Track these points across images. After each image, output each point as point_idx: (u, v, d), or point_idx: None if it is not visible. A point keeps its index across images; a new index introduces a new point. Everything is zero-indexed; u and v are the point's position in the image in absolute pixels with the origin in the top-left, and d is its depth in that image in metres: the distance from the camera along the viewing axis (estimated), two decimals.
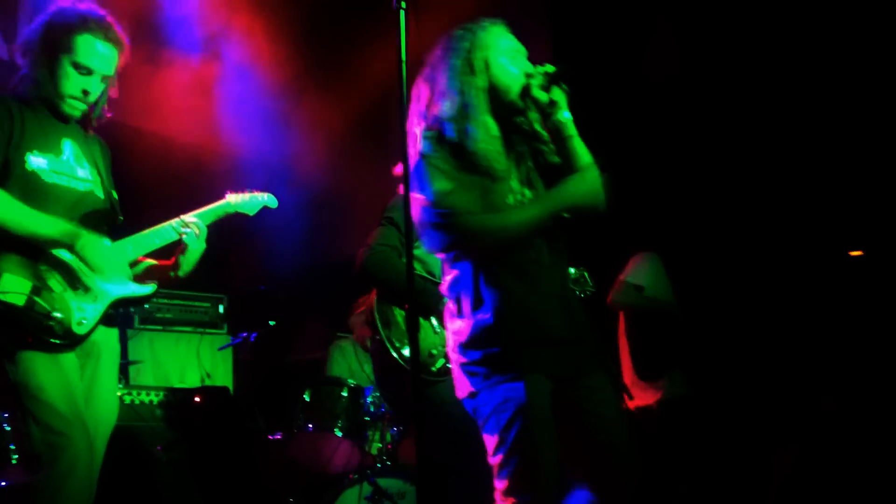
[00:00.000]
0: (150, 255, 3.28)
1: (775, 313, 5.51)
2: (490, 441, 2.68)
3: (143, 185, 5.21)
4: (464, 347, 2.73)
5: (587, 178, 2.72)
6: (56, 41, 3.00)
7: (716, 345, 5.33)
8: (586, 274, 4.64)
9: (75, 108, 3.07)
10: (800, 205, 5.54)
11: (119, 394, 4.62)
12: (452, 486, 3.89)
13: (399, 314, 3.81)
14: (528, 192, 2.79)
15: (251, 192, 3.53)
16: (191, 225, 3.23)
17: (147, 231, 3.19)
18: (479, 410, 2.72)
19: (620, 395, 4.88)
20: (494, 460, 2.65)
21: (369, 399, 4.86)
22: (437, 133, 2.74)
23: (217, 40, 5.86)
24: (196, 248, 3.25)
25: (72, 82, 3.01)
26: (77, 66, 3.00)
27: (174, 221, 3.25)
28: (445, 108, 2.74)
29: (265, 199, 3.58)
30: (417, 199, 2.69)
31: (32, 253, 2.88)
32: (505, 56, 2.79)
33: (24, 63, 3.06)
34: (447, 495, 3.90)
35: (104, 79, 3.07)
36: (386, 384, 4.01)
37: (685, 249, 5.32)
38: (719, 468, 4.98)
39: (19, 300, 2.79)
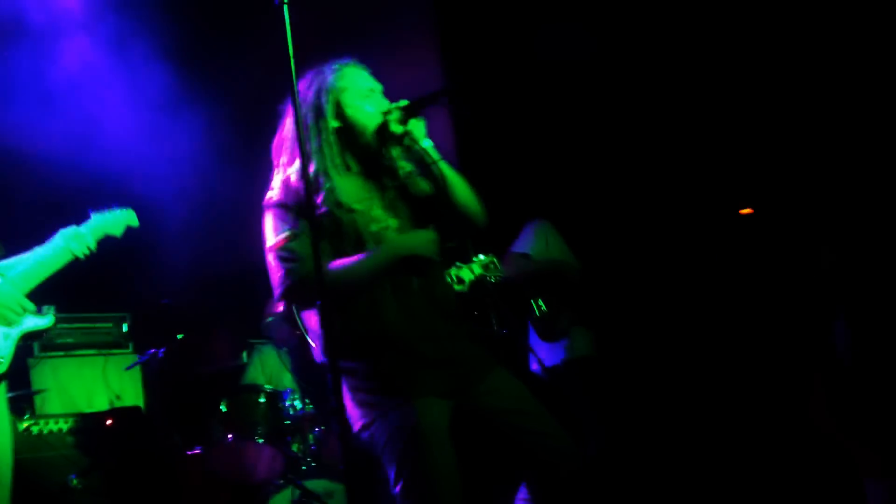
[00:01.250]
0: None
1: (674, 272, 5.65)
2: (390, 471, 2.67)
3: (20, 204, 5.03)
4: (349, 381, 2.73)
5: (422, 235, 2.80)
6: None
7: (622, 303, 5.45)
8: (496, 260, 4.70)
9: None
10: (690, 162, 5.68)
11: (26, 424, 4.47)
12: (382, 479, 3.89)
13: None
14: (392, 221, 2.82)
15: (112, 209, 3.48)
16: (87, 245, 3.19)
17: (39, 260, 3.09)
18: (374, 441, 2.70)
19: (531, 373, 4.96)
20: (396, 490, 2.64)
21: (288, 402, 4.80)
22: (285, 178, 2.78)
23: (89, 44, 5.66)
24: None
25: None
26: None
27: (67, 242, 3.16)
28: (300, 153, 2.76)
29: (124, 213, 3.58)
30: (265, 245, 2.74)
31: None
32: (359, 97, 2.85)
33: None
34: (375, 489, 3.89)
35: None
36: (309, 378, 3.98)
37: (584, 214, 5.42)
38: (624, 428, 5.08)
39: None
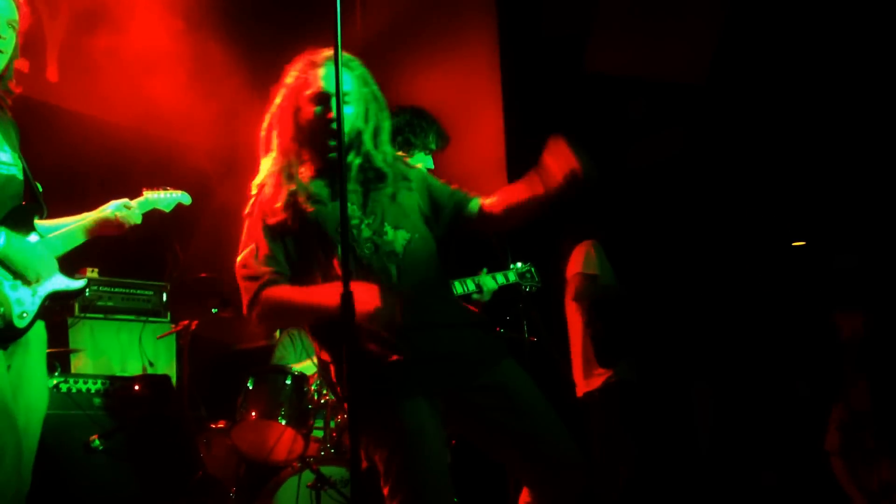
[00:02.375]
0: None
1: (719, 299, 5.60)
2: (380, 470, 2.65)
3: (75, 167, 5.14)
4: (340, 382, 2.73)
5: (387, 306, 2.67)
6: None
7: (660, 330, 5.41)
8: (533, 269, 4.69)
9: None
10: (742, 194, 5.63)
11: (55, 381, 4.56)
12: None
13: None
14: (367, 220, 2.74)
15: (166, 188, 3.53)
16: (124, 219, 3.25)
17: (82, 225, 3.15)
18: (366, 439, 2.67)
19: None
20: (385, 490, 2.61)
21: (313, 387, 4.84)
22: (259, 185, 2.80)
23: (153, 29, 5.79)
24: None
25: None
26: None
27: (108, 209, 3.23)
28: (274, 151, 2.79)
29: (179, 196, 3.61)
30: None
31: None
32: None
33: None
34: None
35: (11, 24, 2.96)
36: (327, 369, 4.00)
37: (626, 235, 5.40)
38: (658, 454, 5.06)
39: None
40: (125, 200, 3.34)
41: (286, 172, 2.74)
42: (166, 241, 6.09)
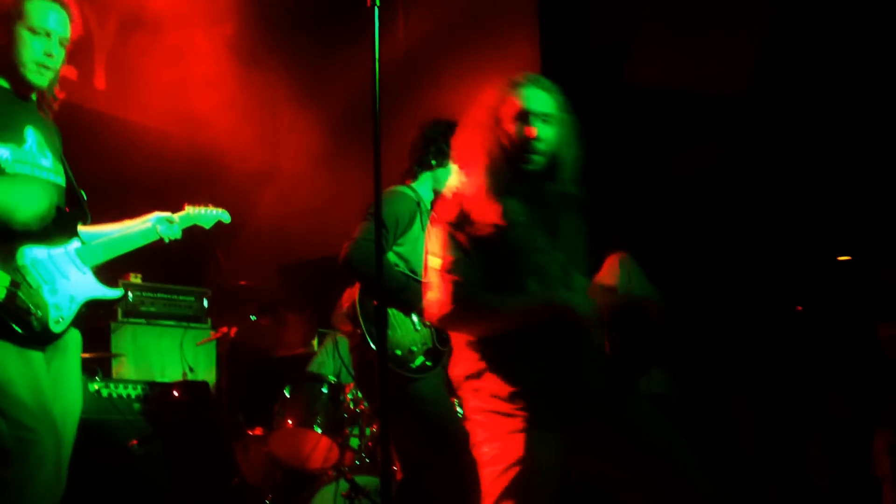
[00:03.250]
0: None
1: (760, 314, 5.53)
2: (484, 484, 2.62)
3: (121, 173, 5.22)
4: (473, 395, 2.71)
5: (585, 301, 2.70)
6: (6, 12, 2.97)
7: (703, 343, 5.35)
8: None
9: (42, 74, 3.01)
10: (785, 207, 5.56)
11: (97, 386, 4.62)
12: (430, 483, 3.90)
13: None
14: (557, 255, 2.75)
15: (207, 205, 3.58)
16: (168, 230, 3.31)
17: (124, 235, 3.20)
18: (482, 459, 2.66)
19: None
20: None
21: (350, 395, 4.86)
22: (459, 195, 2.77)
23: (200, 38, 5.89)
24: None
25: (32, 47, 2.97)
26: (33, 31, 2.97)
27: (150, 223, 3.28)
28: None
29: (220, 213, 3.65)
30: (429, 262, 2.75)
31: (9, 249, 2.86)
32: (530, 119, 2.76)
33: None
34: (423, 492, 3.91)
35: (62, 42, 3.03)
36: (364, 379, 4.01)
37: (666, 248, 5.35)
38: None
39: (0, 293, 2.78)
40: (168, 215, 3.39)
41: (493, 188, 2.74)
42: (209, 247, 6.15)
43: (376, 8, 2.51)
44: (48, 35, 2.99)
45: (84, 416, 3.13)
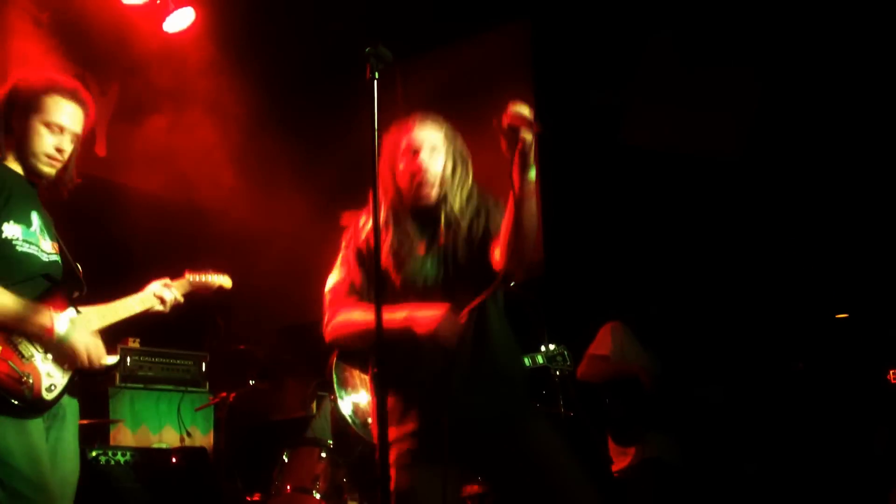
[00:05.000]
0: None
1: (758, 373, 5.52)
2: None
3: (120, 238, 5.26)
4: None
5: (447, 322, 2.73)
6: (25, 103, 3.05)
7: (704, 408, 5.32)
8: (566, 352, 4.72)
9: (51, 165, 3.09)
10: (784, 267, 5.59)
11: (95, 453, 4.60)
12: None
13: (358, 374, 3.83)
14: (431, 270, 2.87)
15: (208, 272, 3.59)
16: (165, 297, 3.32)
17: (114, 303, 3.23)
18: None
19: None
20: None
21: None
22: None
23: (197, 101, 5.98)
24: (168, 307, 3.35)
25: (45, 141, 3.05)
26: (48, 126, 3.05)
27: (147, 294, 3.30)
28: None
29: (221, 279, 3.66)
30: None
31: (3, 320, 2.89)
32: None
33: None
34: None
35: (74, 138, 3.12)
36: (340, 445, 4.01)
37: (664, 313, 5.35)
38: None
39: None
40: (166, 280, 3.40)
41: (387, 219, 2.91)
42: (207, 312, 6.17)
43: (375, 81, 2.56)
44: (62, 131, 3.07)
45: (82, 485, 3.11)
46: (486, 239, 2.87)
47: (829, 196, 5.40)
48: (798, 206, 5.48)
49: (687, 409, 4.95)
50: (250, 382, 5.48)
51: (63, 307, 3.06)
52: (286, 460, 4.82)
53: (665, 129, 5.68)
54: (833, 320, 5.47)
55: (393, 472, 2.68)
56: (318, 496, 4.66)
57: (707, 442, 5.15)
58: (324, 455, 4.77)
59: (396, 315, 2.67)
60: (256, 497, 5.02)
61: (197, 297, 3.53)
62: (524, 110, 2.60)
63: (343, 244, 2.99)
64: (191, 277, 3.50)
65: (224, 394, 5.38)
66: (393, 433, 2.72)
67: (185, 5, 5.59)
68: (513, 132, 2.61)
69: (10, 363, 2.84)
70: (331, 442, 4.89)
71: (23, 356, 2.88)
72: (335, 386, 3.80)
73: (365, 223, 2.94)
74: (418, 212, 2.92)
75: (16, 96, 3.07)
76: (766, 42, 5.42)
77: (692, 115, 5.61)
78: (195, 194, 6.33)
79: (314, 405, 5.90)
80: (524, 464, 2.71)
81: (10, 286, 2.89)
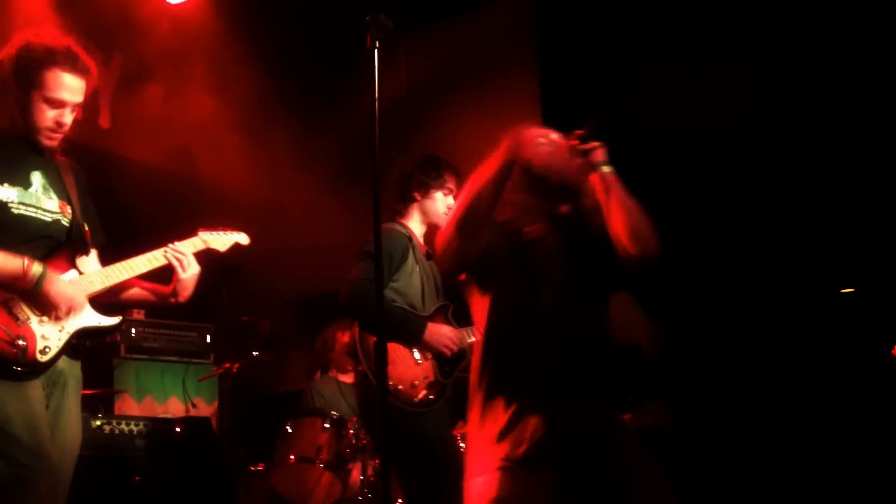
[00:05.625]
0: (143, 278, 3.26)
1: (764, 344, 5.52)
2: None
3: (125, 211, 5.26)
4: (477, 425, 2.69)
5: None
6: (25, 77, 3.01)
7: (703, 376, 5.33)
8: None
9: (52, 139, 3.08)
10: (783, 238, 5.57)
11: (99, 423, 4.63)
12: None
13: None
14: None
15: (223, 229, 3.50)
16: (177, 255, 3.24)
17: (118, 264, 3.19)
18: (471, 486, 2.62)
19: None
20: None
21: (352, 431, 4.86)
22: None
23: (200, 72, 5.97)
24: (189, 275, 3.25)
25: (45, 115, 3.02)
26: (49, 101, 3.01)
27: (159, 252, 3.25)
28: None
29: (237, 236, 3.54)
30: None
31: None
32: None
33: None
34: None
35: (74, 108, 3.08)
36: (368, 414, 4.03)
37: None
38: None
39: None
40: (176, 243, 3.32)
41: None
42: (211, 283, 6.18)
43: (376, 50, 2.55)
44: (62, 105, 3.03)
45: (86, 453, 3.14)
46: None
47: (839, 165, 5.37)
48: (805, 178, 5.45)
49: (686, 379, 4.96)
50: (254, 354, 5.51)
51: (65, 268, 3.06)
52: (289, 431, 4.86)
53: (668, 104, 5.66)
54: (838, 295, 5.47)
55: (490, 476, 2.55)
56: (321, 466, 4.70)
57: (705, 411, 5.17)
58: (327, 426, 4.81)
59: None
60: (261, 467, 5.07)
61: (203, 260, 3.43)
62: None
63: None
64: (204, 235, 3.40)
65: (228, 364, 5.41)
66: (492, 432, 2.59)
67: None
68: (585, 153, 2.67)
69: (3, 327, 2.83)
70: (334, 413, 4.93)
71: (17, 318, 2.87)
72: (361, 356, 3.82)
73: None
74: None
75: (17, 67, 3.02)
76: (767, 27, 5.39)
77: (694, 90, 5.58)
78: (198, 166, 6.33)
79: (318, 375, 5.94)
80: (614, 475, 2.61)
81: (7, 249, 2.88)
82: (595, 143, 2.66)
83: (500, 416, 2.59)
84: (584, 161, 2.67)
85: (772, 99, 5.36)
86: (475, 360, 2.75)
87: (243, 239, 3.55)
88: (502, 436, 2.57)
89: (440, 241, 2.72)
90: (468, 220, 2.65)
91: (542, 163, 2.71)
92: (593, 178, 2.68)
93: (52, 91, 3.01)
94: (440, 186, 4.16)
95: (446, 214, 3.98)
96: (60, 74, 3.02)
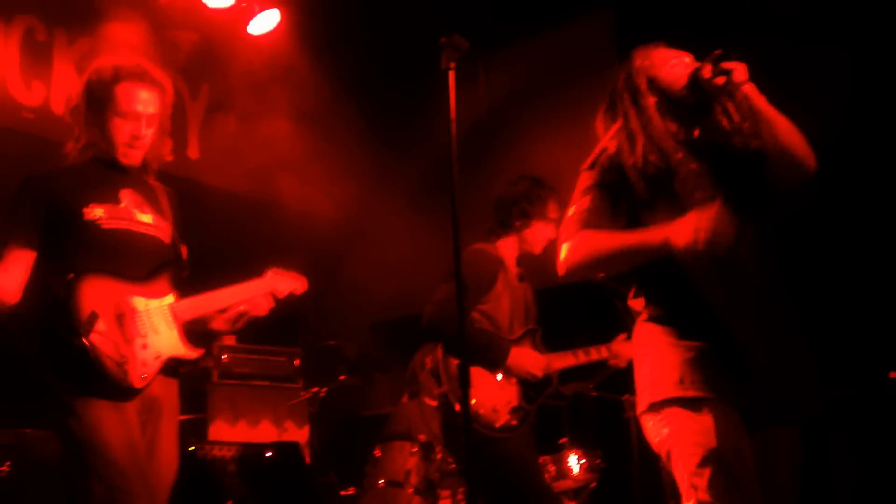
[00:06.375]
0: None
1: None
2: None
3: (210, 238, 5.37)
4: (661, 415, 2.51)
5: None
6: (98, 98, 3.08)
7: None
8: None
9: (131, 156, 3.12)
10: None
11: (193, 448, 4.71)
12: None
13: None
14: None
15: (288, 273, 3.44)
16: (257, 297, 3.28)
17: (207, 293, 3.22)
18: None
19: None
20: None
21: (439, 455, 4.84)
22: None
23: (281, 99, 6.06)
24: (255, 316, 3.30)
25: (121, 131, 3.08)
26: (122, 115, 3.07)
27: (241, 287, 3.29)
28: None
29: (296, 283, 3.46)
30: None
31: (117, 294, 2.94)
32: (667, 67, 2.69)
33: (76, 126, 3.14)
34: None
35: (150, 120, 3.12)
36: (450, 438, 4.00)
37: None
38: None
39: (98, 339, 2.83)
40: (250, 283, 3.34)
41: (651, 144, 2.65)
42: (298, 307, 6.26)
43: (451, 71, 2.54)
44: (137, 117, 3.09)
45: (180, 477, 3.17)
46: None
47: None
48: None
49: None
50: (340, 378, 5.54)
51: (166, 290, 3.09)
52: (378, 455, 4.86)
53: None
54: None
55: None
56: (410, 491, 4.68)
57: None
58: (415, 450, 4.79)
59: (651, 232, 2.44)
60: (351, 491, 5.07)
61: (309, 277, 3.45)
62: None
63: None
64: (271, 276, 3.37)
65: (315, 389, 5.46)
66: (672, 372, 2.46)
67: (270, 7, 5.69)
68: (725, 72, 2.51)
69: (115, 342, 2.88)
70: (422, 436, 4.91)
71: (126, 337, 2.91)
72: (444, 378, 3.80)
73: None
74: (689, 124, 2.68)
75: (90, 92, 3.10)
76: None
77: (785, 101, 5.41)
78: (283, 195, 6.43)
79: (405, 399, 5.93)
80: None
81: (106, 268, 2.95)
82: (736, 63, 2.51)
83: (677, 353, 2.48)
84: (724, 80, 2.53)
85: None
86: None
87: (299, 288, 3.47)
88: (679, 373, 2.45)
89: (566, 261, 2.58)
90: (600, 267, 2.56)
91: (677, 81, 2.62)
92: (738, 97, 2.55)
93: (124, 104, 3.06)
94: (542, 217, 4.10)
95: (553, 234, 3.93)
96: (130, 87, 3.08)
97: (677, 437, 2.42)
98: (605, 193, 2.59)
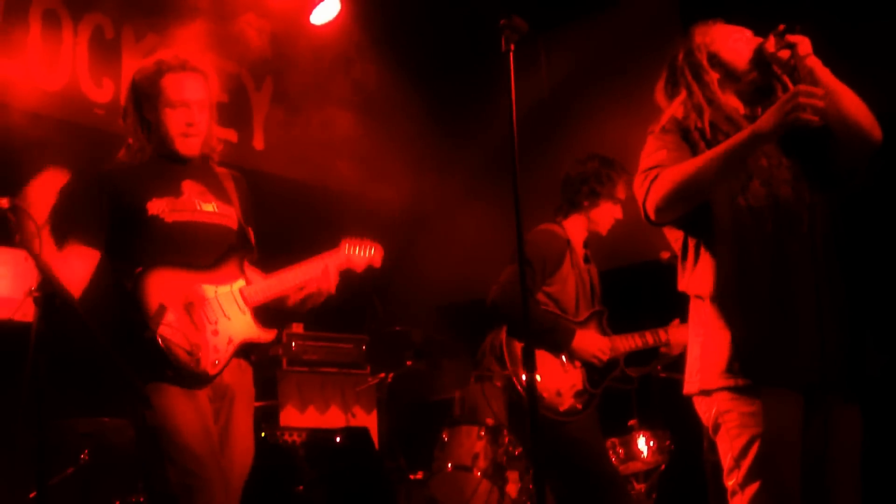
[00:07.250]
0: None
1: None
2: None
3: (276, 227, 5.44)
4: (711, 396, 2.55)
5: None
6: (147, 96, 3.12)
7: None
8: None
9: (189, 145, 3.16)
10: None
11: (263, 434, 4.79)
12: None
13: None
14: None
15: (363, 242, 3.46)
16: (327, 270, 3.28)
17: (279, 274, 3.24)
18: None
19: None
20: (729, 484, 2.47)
21: (507, 439, 4.84)
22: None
23: (342, 87, 6.10)
24: (326, 290, 3.31)
25: (173, 122, 3.11)
26: (172, 105, 3.10)
27: (309, 265, 3.30)
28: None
29: (372, 253, 3.49)
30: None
31: (185, 284, 2.99)
32: (728, 42, 2.72)
33: (128, 127, 3.18)
34: None
35: (200, 106, 3.15)
36: (515, 421, 4.00)
37: None
38: None
39: (168, 331, 2.88)
40: (323, 259, 3.35)
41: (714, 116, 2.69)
42: (365, 293, 6.30)
43: (511, 53, 2.53)
44: (187, 105, 3.12)
45: (252, 463, 3.22)
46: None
47: None
48: None
49: None
50: (407, 363, 5.57)
51: (236, 275, 3.13)
52: (446, 439, 4.88)
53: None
54: None
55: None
56: (478, 474, 4.69)
57: None
58: (483, 433, 4.80)
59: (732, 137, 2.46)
60: (419, 475, 5.11)
61: (351, 274, 3.47)
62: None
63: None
64: (348, 247, 3.39)
65: (383, 374, 5.50)
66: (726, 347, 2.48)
67: None
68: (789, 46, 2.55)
69: (184, 333, 2.92)
70: (489, 420, 4.92)
71: (196, 326, 2.96)
72: (508, 363, 3.80)
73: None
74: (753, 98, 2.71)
75: (137, 90, 3.15)
76: None
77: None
78: (347, 181, 6.48)
79: (472, 380, 5.95)
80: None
81: (173, 260, 2.99)
82: (800, 36, 2.53)
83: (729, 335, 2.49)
84: (788, 54, 2.55)
85: None
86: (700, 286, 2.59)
87: (376, 259, 3.49)
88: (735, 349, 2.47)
89: (653, 200, 2.58)
90: (689, 190, 2.52)
91: (741, 57, 2.66)
92: (803, 71, 2.55)
93: (173, 94, 3.10)
94: (610, 197, 4.05)
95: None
96: (175, 78, 3.11)
97: (725, 418, 2.47)
98: (676, 151, 2.61)
